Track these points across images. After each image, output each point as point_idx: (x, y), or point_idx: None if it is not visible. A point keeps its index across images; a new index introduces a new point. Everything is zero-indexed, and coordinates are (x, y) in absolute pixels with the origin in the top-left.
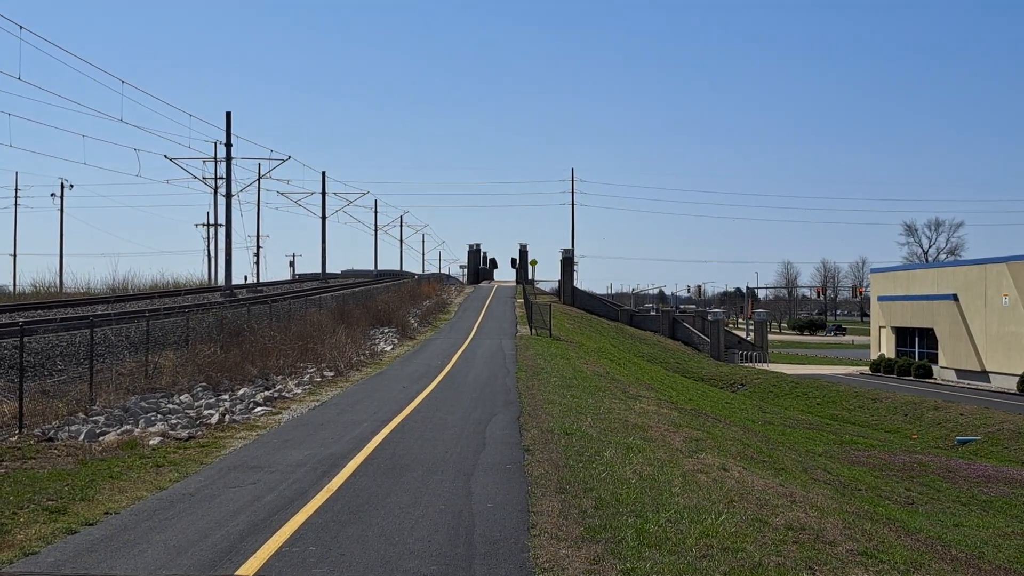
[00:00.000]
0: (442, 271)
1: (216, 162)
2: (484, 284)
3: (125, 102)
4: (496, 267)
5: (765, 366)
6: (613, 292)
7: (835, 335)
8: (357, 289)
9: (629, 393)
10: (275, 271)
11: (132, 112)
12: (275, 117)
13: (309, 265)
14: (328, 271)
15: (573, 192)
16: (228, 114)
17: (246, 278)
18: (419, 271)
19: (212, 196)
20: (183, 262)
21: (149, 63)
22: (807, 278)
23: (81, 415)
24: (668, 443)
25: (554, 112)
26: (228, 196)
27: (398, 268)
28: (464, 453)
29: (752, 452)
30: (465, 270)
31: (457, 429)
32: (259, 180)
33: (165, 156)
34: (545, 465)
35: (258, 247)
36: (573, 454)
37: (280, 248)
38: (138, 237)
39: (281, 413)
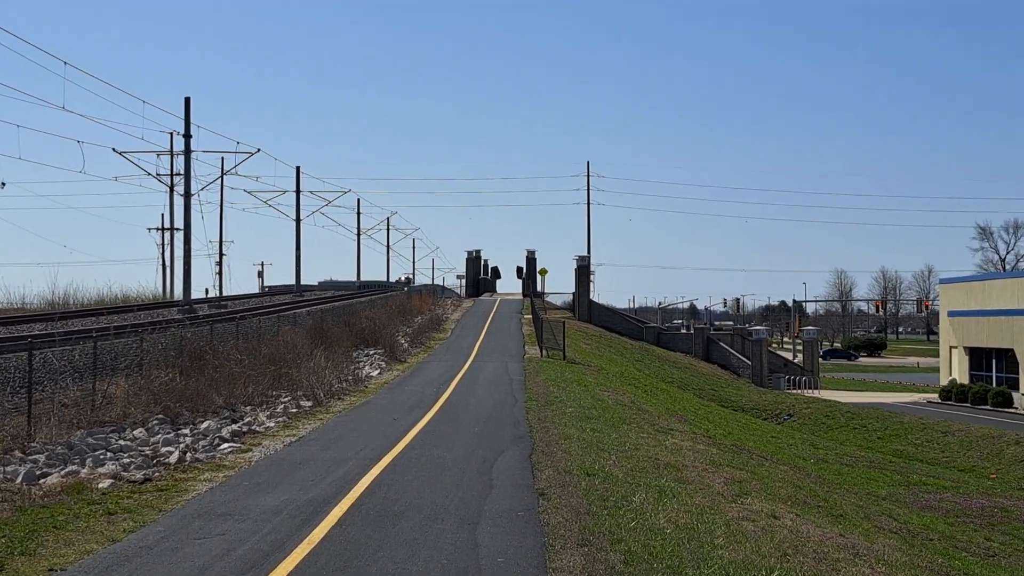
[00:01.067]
0: (435, 282)
1: (172, 156)
2: (485, 297)
3: (68, 87)
4: (499, 277)
5: (816, 393)
6: (636, 307)
7: (850, 359)
8: (337, 304)
9: (659, 426)
10: (241, 283)
11: (76, 98)
12: (242, 104)
13: (280, 276)
14: (303, 283)
15: (589, 189)
16: (187, 100)
17: (207, 291)
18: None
19: (168, 195)
20: (134, 272)
21: (96, 42)
22: (864, 289)
23: (18, 453)
24: (707, 485)
25: (565, 97)
26: (187, 195)
27: (384, 279)
28: (468, 498)
29: (805, 496)
30: (463, 281)
31: (459, 469)
32: (222, 177)
33: (114, 149)
34: (564, 512)
35: (221, 255)
36: (596, 499)
37: (247, 256)
38: (82, 243)
39: (252, 450)
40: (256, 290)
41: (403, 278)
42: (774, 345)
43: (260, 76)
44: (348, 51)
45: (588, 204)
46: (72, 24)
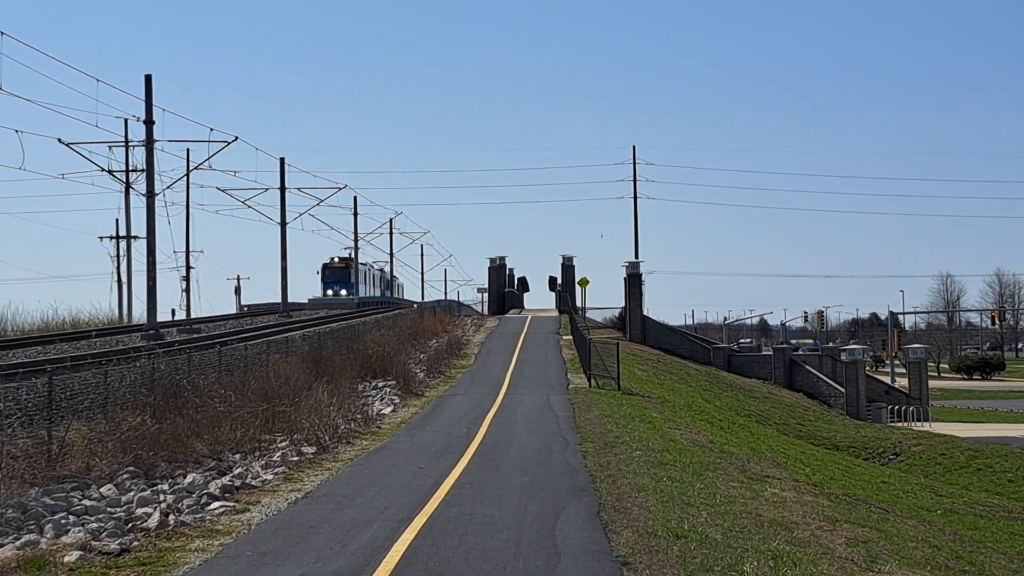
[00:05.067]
0: (449, 296)
1: (128, 147)
2: (512, 314)
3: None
4: (527, 290)
5: (926, 426)
6: (694, 323)
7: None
8: (335, 325)
9: (750, 472)
10: (213, 301)
11: (15, 77)
12: (216, 85)
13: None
14: (290, 300)
15: (636, 180)
16: (147, 78)
17: (174, 312)
18: (418, 297)
19: (123, 196)
20: (83, 290)
21: (38, 8)
22: (975, 297)
23: None
24: (828, 548)
25: (601, 66)
26: (150, 195)
27: (388, 293)
28: (530, 569)
29: (946, 558)
30: (485, 295)
31: (512, 532)
32: (188, 172)
33: (60, 140)
34: None
35: (188, 268)
36: (697, 570)
37: (219, 269)
38: (20, 256)
39: (249, 510)
40: (233, 310)
41: (336, 259)
42: (867, 367)
43: (236, 50)
44: (342, 20)
45: (635, 198)
46: None
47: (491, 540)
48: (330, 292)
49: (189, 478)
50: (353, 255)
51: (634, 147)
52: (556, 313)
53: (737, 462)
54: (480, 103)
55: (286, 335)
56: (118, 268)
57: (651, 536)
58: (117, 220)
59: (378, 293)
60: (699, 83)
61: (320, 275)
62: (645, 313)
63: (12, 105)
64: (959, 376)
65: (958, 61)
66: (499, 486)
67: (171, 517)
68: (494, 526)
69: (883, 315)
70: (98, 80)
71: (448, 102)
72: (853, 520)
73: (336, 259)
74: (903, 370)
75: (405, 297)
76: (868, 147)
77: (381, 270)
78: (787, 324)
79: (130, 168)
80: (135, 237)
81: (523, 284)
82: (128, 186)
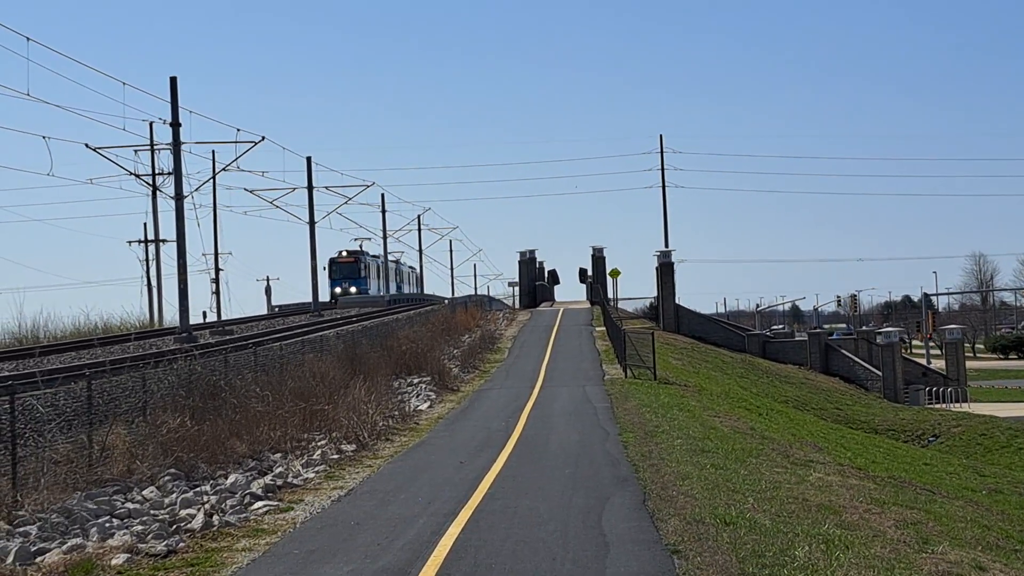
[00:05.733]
0: (479, 290)
1: (153, 150)
2: (544, 307)
3: (32, 68)
4: (557, 282)
5: (965, 406)
6: (726, 310)
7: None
8: (368, 323)
9: (793, 457)
10: (243, 302)
11: (42, 82)
12: (241, 86)
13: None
14: (321, 299)
15: (664, 169)
16: (173, 80)
17: (205, 314)
18: (448, 292)
19: (151, 200)
20: (114, 295)
21: (63, 15)
22: (1008, 276)
23: (3, 525)
24: (879, 531)
25: (626, 51)
26: (178, 197)
27: (417, 290)
28: (581, 560)
29: (996, 537)
30: (516, 289)
31: (558, 523)
32: (215, 175)
33: (87, 145)
34: (711, 575)
35: (217, 270)
36: (749, 556)
37: (248, 270)
38: (50, 262)
39: (293, 508)
40: (263, 311)
41: (344, 252)
42: (903, 350)
43: (261, 49)
44: (366, 17)
45: (663, 187)
46: None
47: (538, 532)
48: (338, 290)
49: (231, 478)
50: (363, 247)
51: (661, 136)
52: (588, 305)
53: (779, 448)
54: (506, 96)
55: (320, 334)
56: (147, 272)
57: (699, 524)
58: (145, 224)
59: (393, 288)
60: (726, 68)
61: (327, 271)
62: (677, 302)
63: (39, 111)
64: (995, 356)
65: (989, 41)
66: (542, 478)
67: (215, 518)
68: (540, 518)
69: (916, 297)
70: (124, 83)
71: (474, 96)
72: (901, 502)
73: (344, 252)
74: (937, 351)
75: (424, 289)
76: (898, 128)
77: (396, 261)
78: (819, 309)
79: (157, 171)
80: (163, 241)
81: (553, 277)
82: (155, 189)
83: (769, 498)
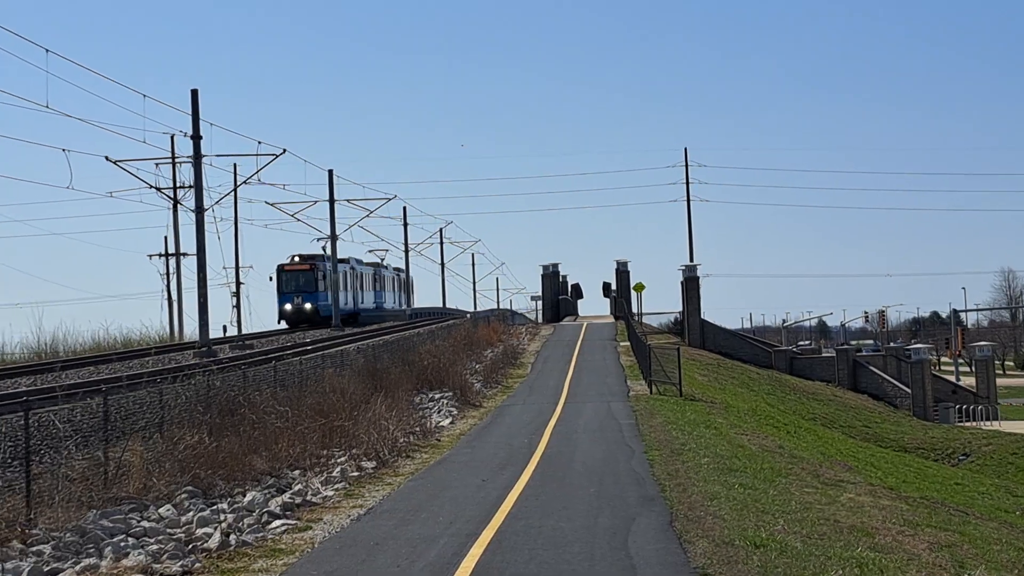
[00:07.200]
0: (501, 304)
1: (174, 163)
2: (567, 322)
3: (52, 81)
4: (581, 296)
5: (995, 425)
6: (753, 326)
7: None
8: (388, 337)
9: (824, 477)
10: (264, 317)
11: (61, 94)
12: (261, 99)
13: None
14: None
15: (688, 182)
16: (194, 92)
17: (225, 329)
18: (470, 306)
19: (171, 213)
20: (134, 309)
21: (83, 26)
22: None
23: (17, 544)
24: (912, 554)
25: (651, 65)
26: (199, 210)
27: (440, 304)
28: None
29: None
30: (539, 303)
31: (584, 544)
32: (236, 188)
33: (107, 158)
34: None
35: (238, 283)
36: None
37: (270, 283)
38: (69, 276)
39: (311, 527)
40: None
41: (295, 257)
42: (932, 367)
43: (282, 61)
44: (388, 28)
45: (688, 201)
46: (53, 5)
47: (563, 553)
48: (288, 306)
49: (248, 496)
50: (328, 248)
51: (686, 149)
52: (612, 319)
53: (809, 467)
54: (530, 109)
55: (340, 348)
56: (168, 286)
57: (728, 546)
58: (166, 237)
59: (371, 299)
60: (753, 82)
61: (275, 281)
62: (703, 317)
63: (59, 123)
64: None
65: (1018, 52)
66: (566, 497)
67: (232, 537)
68: (565, 539)
69: (944, 313)
70: (144, 96)
71: (496, 109)
72: (934, 524)
73: (297, 258)
74: (966, 368)
75: (414, 296)
76: (925, 143)
77: (376, 265)
78: (847, 325)
79: (178, 184)
80: (184, 254)
81: (577, 291)
82: (176, 202)
83: (800, 519)
